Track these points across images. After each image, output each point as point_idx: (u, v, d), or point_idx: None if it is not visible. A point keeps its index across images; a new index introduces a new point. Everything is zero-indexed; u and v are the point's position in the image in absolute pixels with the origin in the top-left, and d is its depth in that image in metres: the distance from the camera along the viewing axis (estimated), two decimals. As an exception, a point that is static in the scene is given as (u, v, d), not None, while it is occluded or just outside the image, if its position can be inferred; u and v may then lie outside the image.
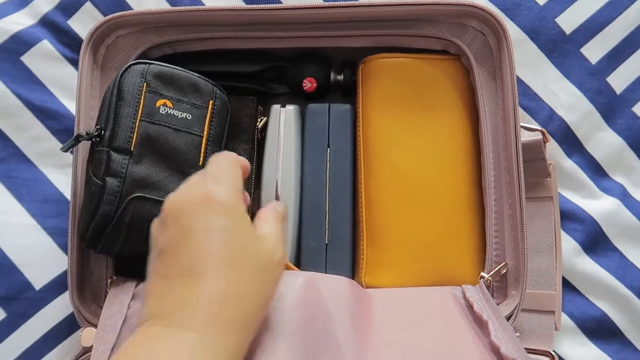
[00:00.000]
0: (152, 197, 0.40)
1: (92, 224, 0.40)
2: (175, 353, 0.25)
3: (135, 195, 0.40)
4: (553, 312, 0.46)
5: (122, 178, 0.40)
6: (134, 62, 0.43)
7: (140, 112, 0.41)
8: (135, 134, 0.41)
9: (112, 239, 0.40)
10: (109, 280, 0.43)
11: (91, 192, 0.41)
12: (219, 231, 0.28)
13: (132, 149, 0.41)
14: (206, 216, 0.29)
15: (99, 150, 0.41)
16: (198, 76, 0.44)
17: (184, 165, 0.42)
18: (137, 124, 0.41)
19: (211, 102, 0.44)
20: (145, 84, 0.42)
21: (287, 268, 0.36)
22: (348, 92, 0.51)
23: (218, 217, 0.29)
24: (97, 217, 0.40)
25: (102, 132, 0.41)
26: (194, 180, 0.31)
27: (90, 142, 0.42)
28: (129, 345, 0.26)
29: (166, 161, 0.42)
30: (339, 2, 0.45)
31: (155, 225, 0.31)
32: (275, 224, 0.33)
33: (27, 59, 0.53)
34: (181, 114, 0.42)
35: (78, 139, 0.41)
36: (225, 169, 0.32)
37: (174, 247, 0.28)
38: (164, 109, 0.42)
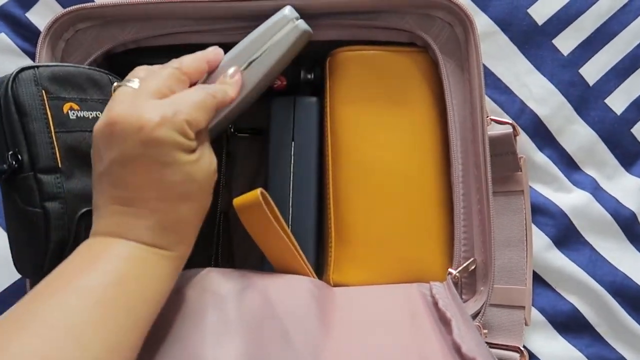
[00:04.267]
0: None
1: (49, 255, 0.37)
2: (117, 250, 0.30)
3: (82, 211, 0.37)
4: (523, 308, 0.46)
5: (63, 198, 0.37)
6: (19, 69, 0.37)
7: (51, 124, 0.37)
8: (56, 148, 0.37)
9: None
10: None
11: (32, 224, 0.36)
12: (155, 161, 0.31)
13: (59, 166, 0.37)
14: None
15: (24, 177, 0.36)
16: (90, 68, 0.41)
17: None
18: (53, 137, 0.37)
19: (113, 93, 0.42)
20: (43, 91, 0.37)
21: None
22: (318, 91, 0.50)
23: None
24: (52, 247, 0.36)
25: (19, 156, 0.36)
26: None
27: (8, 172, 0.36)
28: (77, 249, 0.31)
29: None
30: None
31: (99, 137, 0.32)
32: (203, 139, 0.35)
33: (-16, 53, 0.52)
34: (91, 114, 0.40)
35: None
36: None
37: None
38: (73, 114, 0.39)
